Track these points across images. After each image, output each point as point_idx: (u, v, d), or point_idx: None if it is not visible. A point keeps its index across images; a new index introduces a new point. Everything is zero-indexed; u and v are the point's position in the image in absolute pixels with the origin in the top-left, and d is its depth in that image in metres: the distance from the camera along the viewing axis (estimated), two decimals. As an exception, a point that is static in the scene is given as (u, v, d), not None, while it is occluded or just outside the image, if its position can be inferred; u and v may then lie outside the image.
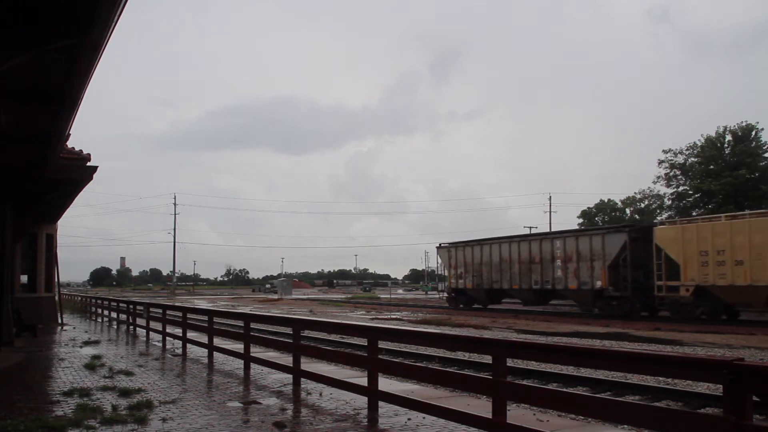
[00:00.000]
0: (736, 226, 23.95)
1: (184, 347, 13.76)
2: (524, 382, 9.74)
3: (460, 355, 14.23)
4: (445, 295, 42.41)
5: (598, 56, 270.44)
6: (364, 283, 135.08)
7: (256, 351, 11.50)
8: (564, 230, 32.75)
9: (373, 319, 30.84)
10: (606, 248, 28.95)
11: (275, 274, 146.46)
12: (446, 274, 41.53)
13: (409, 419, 6.68)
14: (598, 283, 29.19)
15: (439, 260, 41.82)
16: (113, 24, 6.23)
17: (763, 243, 22.74)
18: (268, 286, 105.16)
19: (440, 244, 41.09)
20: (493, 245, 35.74)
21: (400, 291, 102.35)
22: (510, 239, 35.05)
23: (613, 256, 28.62)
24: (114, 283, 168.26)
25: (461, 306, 38.54)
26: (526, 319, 29.67)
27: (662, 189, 54.36)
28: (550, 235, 33.07)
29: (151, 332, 17.20)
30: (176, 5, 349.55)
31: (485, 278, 36.09)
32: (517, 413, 6.64)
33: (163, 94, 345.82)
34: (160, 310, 16.94)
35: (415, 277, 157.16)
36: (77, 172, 15.39)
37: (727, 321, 25.50)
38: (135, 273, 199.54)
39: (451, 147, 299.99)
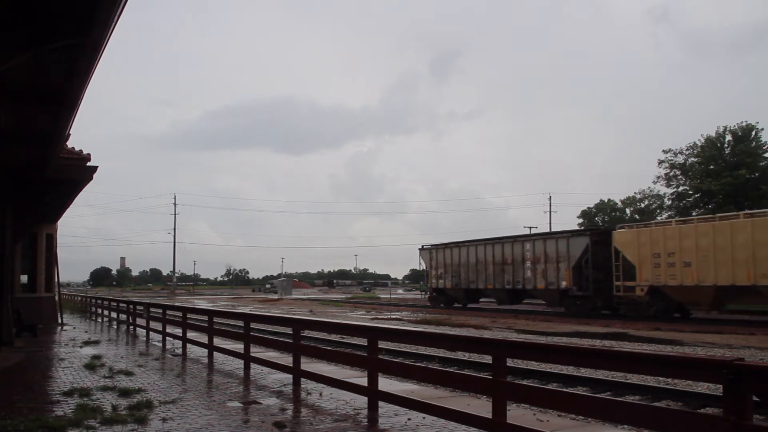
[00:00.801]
0: (684, 231, 25.72)
1: (184, 347, 13.76)
2: (524, 382, 9.74)
3: (460, 355, 14.23)
4: (427, 294, 44.33)
5: (598, 56, 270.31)
6: (364, 283, 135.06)
7: (256, 351, 11.51)
8: (533, 233, 35.33)
9: (373, 319, 30.84)
10: (570, 250, 30.66)
11: (275, 274, 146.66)
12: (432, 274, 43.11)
13: (409, 419, 6.68)
14: (563, 283, 30.97)
15: (422, 261, 43.59)
16: (113, 24, 6.23)
17: (707, 246, 24.44)
18: (268, 286, 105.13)
19: (422, 246, 42.94)
20: (470, 247, 37.63)
21: (400, 291, 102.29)
22: (485, 242, 36.78)
23: (577, 258, 30.31)
24: (114, 283, 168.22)
25: (442, 305, 40.39)
26: (526, 319, 29.79)
27: (662, 189, 54.52)
28: (521, 238, 34.87)
29: (151, 332, 17.20)
30: (176, 5, 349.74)
31: (463, 278, 38.00)
32: (517, 413, 6.64)
33: (163, 94, 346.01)
34: (160, 310, 16.95)
35: (415, 277, 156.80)
36: (77, 172, 15.39)
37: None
38: (135, 273, 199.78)
39: (451, 147, 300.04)
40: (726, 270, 23.70)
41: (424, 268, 43.23)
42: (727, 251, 23.66)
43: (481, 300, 40.35)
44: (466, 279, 37.63)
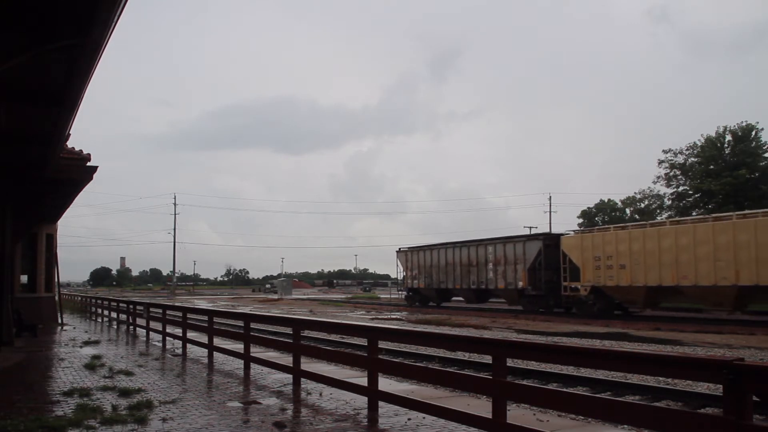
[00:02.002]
0: (619, 236, 28.08)
1: (184, 347, 13.76)
2: (524, 382, 9.73)
3: (460, 355, 14.23)
4: (404, 294, 46.71)
5: (598, 56, 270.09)
6: (364, 283, 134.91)
7: (256, 351, 11.51)
8: (494, 237, 36.87)
9: (373, 319, 30.86)
10: (526, 254, 33.35)
11: (275, 274, 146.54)
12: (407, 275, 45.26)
13: (409, 419, 6.68)
14: (520, 284, 33.62)
15: (399, 264, 45.37)
16: (113, 24, 6.22)
17: (639, 250, 26.77)
18: (268, 286, 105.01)
19: (399, 249, 45.45)
20: (440, 250, 40.41)
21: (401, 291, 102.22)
22: (453, 245, 39.57)
23: (531, 260, 32.94)
24: (114, 283, 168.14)
25: (417, 304, 43.06)
26: (526, 319, 29.86)
27: (662, 189, 54.53)
28: (484, 242, 37.20)
29: (151, 332, 17.20)
30: (176, 5, 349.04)
31: (434, 279, 40.83)
32: (517, 413, 6.64)
33: (162, 94, 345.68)
34: (160, 310, 16.94)
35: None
36: (77, 172, 15.39)
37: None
38: (135, 273, 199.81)
39: (451, 147, 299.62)
40: (654, 272, 26.01)
41: (402, 269, 45.14)
42: (655, 255, 25.96)
43: (452, 299, 43.08)
44: (437, 279, 40.24)
